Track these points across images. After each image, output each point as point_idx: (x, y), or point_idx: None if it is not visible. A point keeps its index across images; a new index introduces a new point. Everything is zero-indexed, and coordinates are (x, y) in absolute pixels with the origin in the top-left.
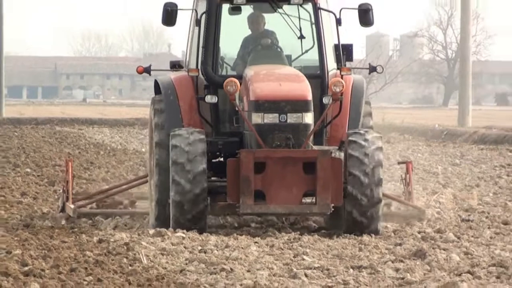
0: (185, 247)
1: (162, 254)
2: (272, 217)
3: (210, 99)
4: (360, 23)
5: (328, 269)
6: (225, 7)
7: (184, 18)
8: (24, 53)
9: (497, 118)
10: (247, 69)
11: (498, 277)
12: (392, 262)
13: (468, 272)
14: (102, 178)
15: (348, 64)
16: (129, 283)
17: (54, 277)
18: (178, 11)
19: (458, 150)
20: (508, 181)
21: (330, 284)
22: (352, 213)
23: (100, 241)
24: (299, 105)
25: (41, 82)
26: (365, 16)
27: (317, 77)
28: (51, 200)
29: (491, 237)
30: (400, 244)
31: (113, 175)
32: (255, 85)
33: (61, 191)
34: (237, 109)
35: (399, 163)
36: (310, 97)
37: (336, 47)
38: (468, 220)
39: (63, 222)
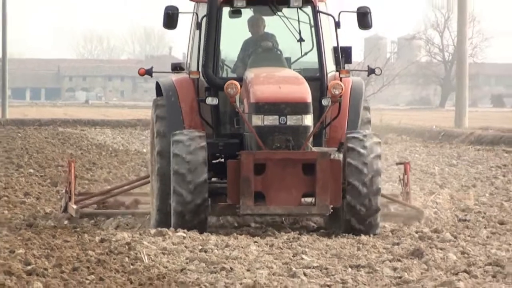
0: (185, 247)
1: (163, 254)
2: (273, 217)
3: (211, 101)
4: (359, 26)
5: (326, 268)
6: (226, 10)
7: (185, 21)
8: (27, 55)
9: (493, 119)
10: (247, 71)
11: (494, 276)
12: (390, 261)
13: (465, 271)
14: (104, 178)
15: (347, 66)
16: (131, 282)
17: (56, 276)
18: (179, 15)
19: (455, 151)
20: (504, 182)
21: (328, 283)
22: (350, 221)
23: (102, 240)
24: (298, 107)
25: (44, 84)
26: (363, 19)
27: (316, 79)
28: (54, 200)
29: (487, 237)
30: (397, 244)
31: (115, 175)
32: (255, 88)
33: (63, 191)
34: (237, 111)
35: (397, 164)
36: (309, 99)
37: (335, 49)
38: (465, 220)
39: (66, 222)
